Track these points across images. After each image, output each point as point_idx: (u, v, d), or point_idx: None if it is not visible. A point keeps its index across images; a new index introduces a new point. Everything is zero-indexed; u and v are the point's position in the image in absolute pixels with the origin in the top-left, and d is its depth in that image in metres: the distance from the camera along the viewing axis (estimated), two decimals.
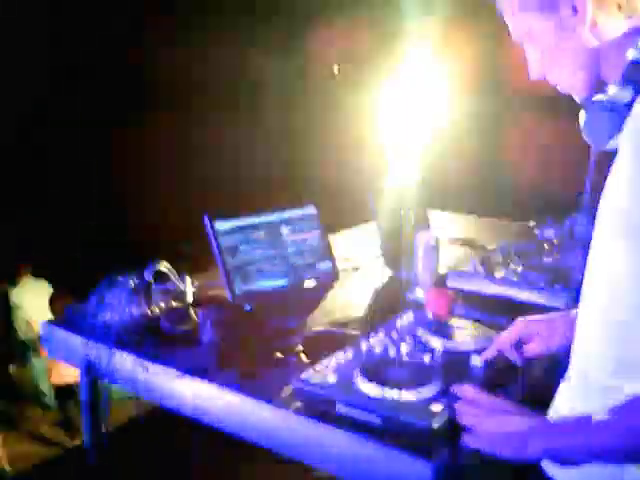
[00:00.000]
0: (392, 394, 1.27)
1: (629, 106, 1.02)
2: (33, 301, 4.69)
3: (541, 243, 2.36)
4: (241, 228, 2.02)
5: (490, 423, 1.14)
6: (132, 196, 3.17)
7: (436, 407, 1.24)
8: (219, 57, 3.58)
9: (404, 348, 1.51)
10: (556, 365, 1.35)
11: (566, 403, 1.17)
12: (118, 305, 1.69)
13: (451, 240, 2.69)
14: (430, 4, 3.62)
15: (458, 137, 3.89)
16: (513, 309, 1.47)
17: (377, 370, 1.35)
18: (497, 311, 1.75)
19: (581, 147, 1.20)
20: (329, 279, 2.19)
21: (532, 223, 2.63)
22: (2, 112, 2.92)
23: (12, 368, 4.88)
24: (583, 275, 1.17)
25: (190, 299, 1.81)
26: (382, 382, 1.30)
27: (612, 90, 1.04)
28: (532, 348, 1.40)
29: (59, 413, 4.68)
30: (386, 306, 1.96)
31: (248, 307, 1.79)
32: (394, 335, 1.60)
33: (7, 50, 2.86)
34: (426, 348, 1.53)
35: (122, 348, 1.66)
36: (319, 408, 1.31)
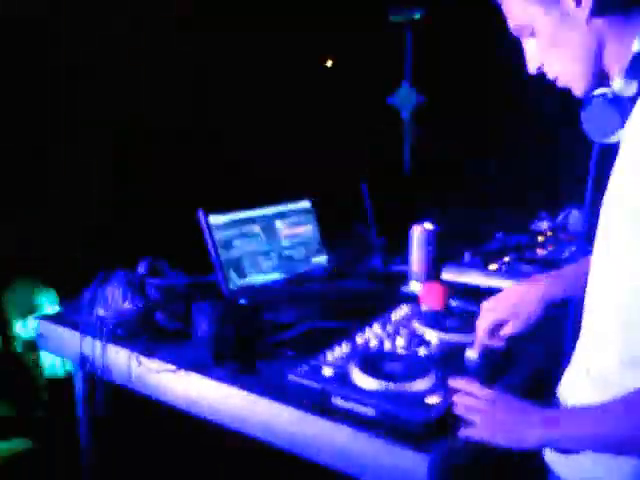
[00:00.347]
0: (388, 387, 1.27)
1: (633, 100, 1.01)
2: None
3: (535, 235, 2.37)
4: (235, 222, 2.01)
5: (488, 414, 1.15)
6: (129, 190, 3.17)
7: (432, 399, 1.25)
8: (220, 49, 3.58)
9: (399, 341, 1.51)
10: (555, 352, 1.35)
11: (573, 395, 1.17)
12: (112, 300, 1.68)
13: (445, 231, 2.69)
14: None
15: (452, 127, 3.90)
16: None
17: (373, 363, 1.35)
18: None
19: (578, 140, 1.20)
20: (324, 272, 2.19)
21: (526, 216, 2.64)
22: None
23: None
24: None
25: (184, 293, 1.80)
26: (378, 375, 1.30)
27: (617, 84, 1.02)
28: (508, 330, 1.40)
29: None
30: (381, 299, 1.96)
31: (243, 301, 1.78)
32: (389, 328, 1.60)
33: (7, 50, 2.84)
34: (421, 341, 1.53)
35: (116, 343, 1.66)
36: (315, 401, 1.31)
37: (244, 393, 1.41)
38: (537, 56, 1.14)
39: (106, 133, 3.22)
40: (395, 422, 1.22)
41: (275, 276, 2.05)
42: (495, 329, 1.41)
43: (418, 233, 2.06)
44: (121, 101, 3.28)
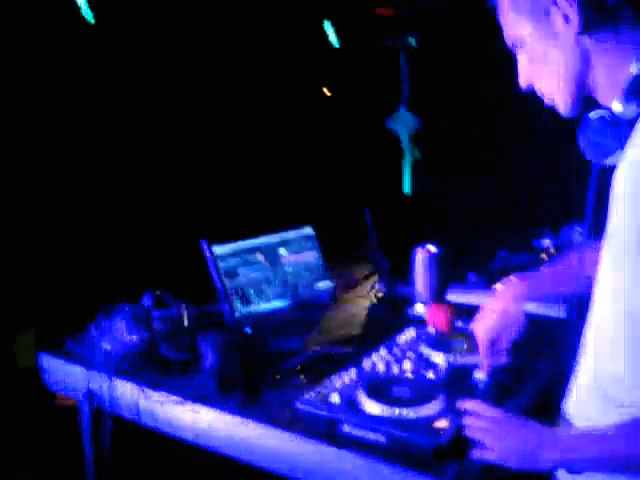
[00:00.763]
0: (397, 412, 1.26)
1: (631, 123, 1.00)
2: None
3: (538, 253, 2.36)
4: (239, 251, 2.01)
5: (501, 435, 1.14)
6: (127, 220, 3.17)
7: (441, 423, 1.24)
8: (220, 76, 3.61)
9: (407, 365, 1.50)
10: (563, 369, 1.34)
11: (581, 413, 1.16)
12: (117, 333, 1.67)
13: (449, 252, 2.68)
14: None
15: (455, 148, 3.92)
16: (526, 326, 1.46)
17: (381, 388, 1.34)
18: None
19: (579, 160, 1.19)
20: (328, 298, 2.18)
21: (529, 234, 2.63)
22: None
23: None
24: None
25: (189, 325, 1.80)
26: (386, 400, 1.29)
27: (616, 106, 1.01)
28: (506, 341, 1.42)
29: None
30: (387, 323, 1.96)
31: (248, 330, 1.78)
32: (396, 352, 1.59)
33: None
34: (429, 364, 1.52)
35: (122, 376, 1.65)
36: (323, 429, 1.30)
37: (252, 423, 1.40)
38: (527, 71, 1.13)
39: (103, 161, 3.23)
40: (405, 448, 1.21)
41: (280, 303, 2.05)
42: (495, 345, 1.41)
43: (421, 256, 2.06)
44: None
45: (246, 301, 1.96)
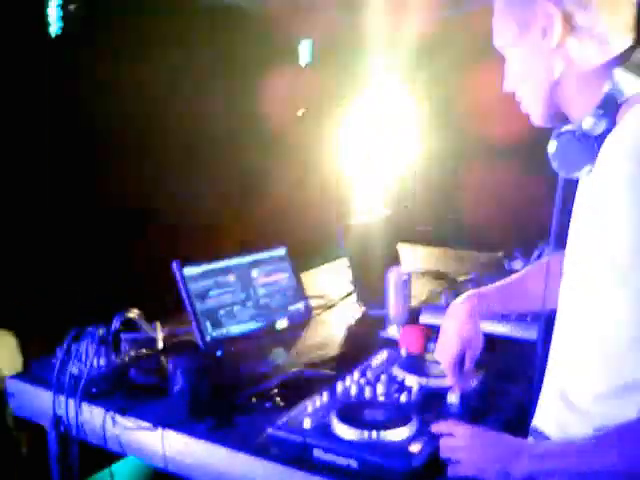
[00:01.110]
0: (369, 436, 1.25)
1: (601, 138, 1.03)
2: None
3: (510, 274, 2.37)
4: (210, 272, 1.99)
5: (473, 449, 1.14)
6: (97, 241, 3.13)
7: (414, 447, 1.23)
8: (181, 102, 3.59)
9: (380, 388, 1.49)
10: (534, 390, 1.34)
11: (550, 426, 1.16)
12: (86, 356, 1.64)
13: (422, 274, 2.70)
14: (395, 47, 3.71)
15: (424, 171, 3.95)
16: (487, 343, 1.47)
17: (353, 412, 1.33)
18: None
19: (547, 179, 1.21)
20: (302, 319, 2.17)
21: (500, 254, 2.66)
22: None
23: None
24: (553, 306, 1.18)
25: (160, 347, 1.77)
26: (359, 424, 1.28)
27: (588, 121, 1.04)
28: (471, 359, 1.44)
29: None
30: (361, 345, 1.95)
31: (220, 353, 1.75)
32: (369, 375, 1.58)
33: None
34: (402, 387, 1.52)
35: (90, 401, 1.61)
36: (296, 455, 1.28)
37: (223, 449, 1.38)
38: (510, 76, 1.18)
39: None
40: (378, 473, 1.20)
41: (252, 325, 2.03)
42: (460, 366, 1.42)
43: (394, 277, 2.06)
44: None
45: (218, 323, 1.94)
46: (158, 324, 1.86)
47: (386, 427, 1.27)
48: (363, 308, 2.27)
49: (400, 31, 3.60)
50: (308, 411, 1.38)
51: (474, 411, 1.42)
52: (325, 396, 1.44)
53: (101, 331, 1.68)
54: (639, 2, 1.07)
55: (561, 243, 1.16)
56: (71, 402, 1.63)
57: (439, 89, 3.81)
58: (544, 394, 1.20)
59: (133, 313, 1.80)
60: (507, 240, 2.74)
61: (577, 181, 1.12)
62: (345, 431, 1.27)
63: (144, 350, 1.72)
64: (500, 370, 1.64)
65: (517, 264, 2.47)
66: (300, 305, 2.19)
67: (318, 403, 1.41)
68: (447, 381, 1.45)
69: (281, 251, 2.23)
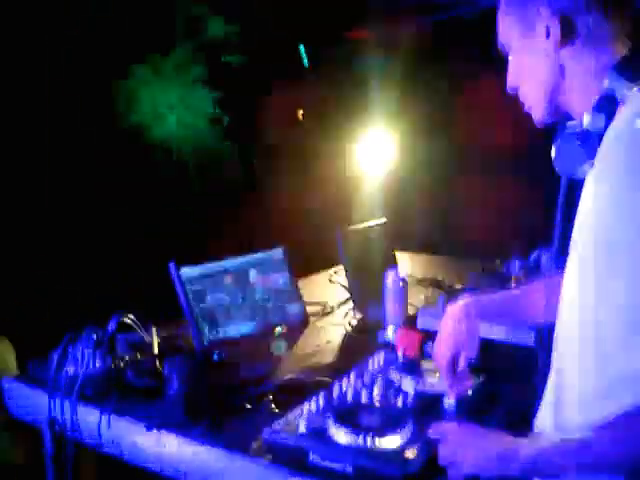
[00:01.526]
0: (365, 441, 1.25)
1: (600, 136, 1.04)
2: None
3: (507, 279, 2.37)
4: (208, 274, 1.99)
5: (471, 447, 1.13)
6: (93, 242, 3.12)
7: (410, 453, 1.22)
8: None
9: (376, 392, 1.49)
10: (531, 395, 1.34)
11: (549, 428, 1.17)
12: (81, 359, 1.64)
13: (419, 281, 2.69)
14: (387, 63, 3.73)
15: (421, 177, 3.95)
16: (483, 347, 1.47)
17: (349, 417, 1.32)
18: None
19: (545, 184, 1.22)
20: (299, 323, 2.17)
21: (497, 260, 2.65)
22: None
23: None
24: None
25: (156, 350, 1.77)
26: (355, 429, 1.27)
27: (586, 119, 1.06)
28: (464, 361, 1.43)
29: None
30: (357, 348, 1.94)
31: (216, 356, 1.75)
32: (366, 379, 1.58)
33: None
34: (398, 391, 1.51)
35: (86, 403, 1.61)
36: (291, 459, 1.28)
37: (218, 452, 1.37)
38: (513, 75, 1.20)
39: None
40: (373, 478, 1.19)
41: (249, 327, 2.03)
42: (455, 368, 1.42)
43: (392, 279, 2.06)
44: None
45: (214, 325, 1.94)
46: (154, 328, 1.86)
47: (382, 432, 1.27)
48: (359, 315, 2.26)
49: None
50: (304, 415, 1.37)
51: (471, 415, 1.42)
52: (321, 400, 1.44)
53: (97, 333, 1.68)
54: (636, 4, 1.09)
55: (562, 247, 1.17)
56: (67, 403, 1.63)
57: (435, 93, 3.81)
58: (545, 399, 1.20)
59: (128, 316, 1.80)
60: (505, 245, 2.74)
61: (578, 185, 1.12)
62: (340, 436, 1.27)
63: (140, 352, 1.72)
64: (497, 374, 1.64)
65: (515, 268, 2.46)
66: (297, 308, 2.19)
67: (314, 407, 1.41)
68: (443, 383, 1.45)
69: (279, 254, 2.23)
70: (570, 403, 1.10)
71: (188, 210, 3.53)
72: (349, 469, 1.21)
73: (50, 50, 3.02)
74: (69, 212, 3.06)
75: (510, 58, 1.20)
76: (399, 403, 1.45)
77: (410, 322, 2.05)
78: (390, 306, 2.04)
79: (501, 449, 1.09)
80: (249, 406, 1.53)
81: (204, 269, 1.99)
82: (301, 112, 4.10)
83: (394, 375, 1.60)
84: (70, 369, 1.64)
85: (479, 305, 1.45)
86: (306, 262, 2.32)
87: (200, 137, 3.93)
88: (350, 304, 2.34)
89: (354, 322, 2.23)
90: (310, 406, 1.41)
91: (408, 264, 2.90)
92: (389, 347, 1.83)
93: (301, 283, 2.28)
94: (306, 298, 2.26)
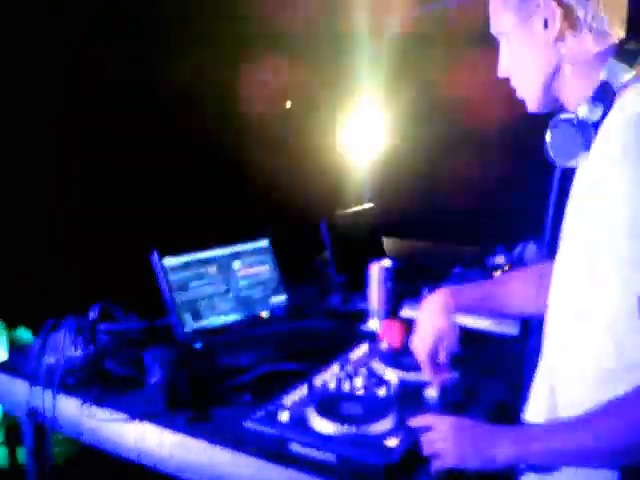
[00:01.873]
0: (347, 430, 1.24)
1: (597, 125, 1.04)
2: None
3: (492, 270, 2.38)
4: (191, 263, 1.97)
5: (454, 439, 1.13)
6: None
7: (392, 442, 1.22)
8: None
9: (358, 382, 1.48)
10: (517, 385, 1.34)
11: (541, 418, 1.16)
12: (62, 347, 1.62)
13: (404, 268, 2.69)
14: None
15: (409, 164, 3.94)
16: (467, 338, 1.47)
17: (331, 406, 1.32)
18: None
19: (533, 174, 1.21)
20: (283, 312, 2.16)
21: (484, 250, 2.66)
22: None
23: None
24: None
25: (137, 338, 1.75)
26: (336, 418, 1.27)
27: (583, 109, 1.06)
28: (444, 352, 1.43)
29: None
30: (341, 338, 1.94)
31: (198, 345, 1.74)
32: (348, 368, 1.57)
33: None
34: (381, 381, 1.51)
35: (66, 392, 1.59)
36: (273, 448, 1.27)
37: (199, 442, 1.36)
38: (506, 63, 1.19)
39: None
40: (356, 467, 1.19)
41: (232, 317, 2.01)
42: (435, 359, 1.42)
43: (376, 270, 2.05)
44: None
45: (197, 315, 1.92)
46: (135, 316, 1.84)
47: (364, 421, 1.27)
48: (344, 304, 2.25)
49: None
50: (286, 404, 1.37)
51: (453, 405, 1.42)
52: (303, 390, 1.43)
53: (78, 322, 1.66)
54: None
55: (552, 237, 1.17)
56: (47, 393, 1.61)
57: (422, 76, 3.80)
58: (535, 388, 1.20)
59: (111, 304, 1.78)
60: (489, 235, 2.75)
61: (567, 175, 1.12)
62: (323, 425, 1.26)
63: (121, 341, 1.70)
64: (479, 365, 1.64)
65: (499, 259, 2.47)
66: (281, 298, 2.18)
67: (296, 396, 1.40)
68: (423, 374, 1.45)
69: (263, 242, 2.22)
70: (566, 388, 1.09)
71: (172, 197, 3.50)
72: (331, 458, 1.21)
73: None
74: (48, 198, 3.02)
75: (503, 46, 1.19)
76: (382, 392, 1.44)
77: (394, 312, 2.05)
78: (374, 296, 2.04)
79: (487, 439, 1.09)
80: (231, 395, 1.52)
81: (187, 258, 1.97)
82: (289, 101, 4.07)
83: (377, 365, 1.59)
84: (50, 358, 1.62)
85: (457, 296, 1.44)
86: (291, 250, 2.30)
87: None
88: (335, 293, 2.33)
89: (339, 312, 2.22)
90: (292, 396, 1.41)
91: (394, 250, 2.89)
92: (373, 337, 1.83)
93: (286, 272, 2.27)
94: (291, 287, 2.25)
